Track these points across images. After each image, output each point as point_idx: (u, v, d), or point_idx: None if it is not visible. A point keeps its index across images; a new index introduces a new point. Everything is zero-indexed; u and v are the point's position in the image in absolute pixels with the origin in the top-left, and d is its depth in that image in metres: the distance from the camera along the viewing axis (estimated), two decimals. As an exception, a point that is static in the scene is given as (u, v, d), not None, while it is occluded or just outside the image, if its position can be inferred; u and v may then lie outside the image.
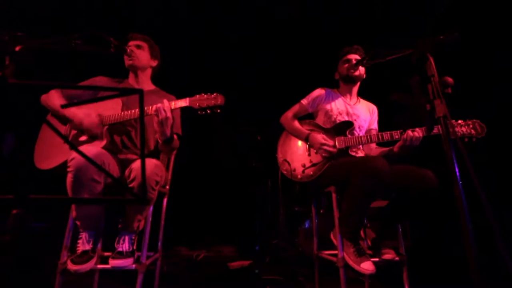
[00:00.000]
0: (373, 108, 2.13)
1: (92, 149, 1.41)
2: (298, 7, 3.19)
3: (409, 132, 1.65)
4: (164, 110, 1.45)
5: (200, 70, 3.95)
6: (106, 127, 1.57)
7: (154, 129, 1.79)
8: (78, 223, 1.49)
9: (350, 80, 2.03)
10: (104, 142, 1.54)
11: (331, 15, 3.25)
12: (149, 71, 1.90)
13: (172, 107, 1.49)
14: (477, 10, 3.00)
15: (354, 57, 1.99)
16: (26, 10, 2.88)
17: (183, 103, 1.49)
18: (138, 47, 1.81)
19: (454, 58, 2.50)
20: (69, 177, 1.34)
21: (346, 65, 2.00)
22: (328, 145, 1.79)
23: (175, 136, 1.72)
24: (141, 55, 1.81)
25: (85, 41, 1.14)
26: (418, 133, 1.65)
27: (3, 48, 0.86)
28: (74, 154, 1.33)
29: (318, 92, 2.06)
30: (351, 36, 3.24)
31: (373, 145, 2.02)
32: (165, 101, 1.48)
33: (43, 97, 1.68)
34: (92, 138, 1.58)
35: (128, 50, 1.67)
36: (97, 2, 2.97)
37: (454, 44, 0.97)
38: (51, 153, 1.58)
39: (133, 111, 1.55)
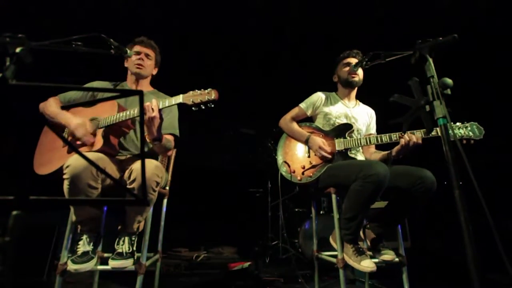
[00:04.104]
0: (372, 112, 2.14)
1: (89, 154, 1.41)
2: (298, 8, 3.20)
3: (406, 137, 1.65)
4: (152, 109, 1.43)
5: (199, 72, 3.96)
6: (102, 129, 1.57)
7: None
8: (78, 226, 1.49)
9: (349, 85, 2.03)
10: (100, 145, 1.53)
11: (331, 16, 3.25)
12: (149, 78, 1.94)
13: (160, 106, 1.47)
14: (477, 10, 3.00)
15: (354, 61, 1.99)
16: (26, 11, 2.89)
17: (176, 100, 1.48)
18: (148, 56, 1.84)
19: (454, 59, 2.51)
20: (65, 184, 1.34)
21: (347, 68, 2.01)
22: (324, 150, 1.79)
23: (168, 137, 1.71)
24: (149, 65, 1.85)
25: (85, 42, 1.14)
26: (418, 139, 1.64)
27: (4, 49, 0.86)
28: (69, 161, 1.33)
29: (317, 96, 2.07)
30: (351, 37, 3.26)
31: (372, 150, 2.03)
32: (153, 100, 1.46)
33: (41, 105, 1.68)
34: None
35: (138, 57, 1.71)
36: (93, 3, 2.97)
37: (453, 45, 0.97)
38: (49, 158, 1.59)
39: (127, 112, 1.54)
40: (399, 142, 1.71)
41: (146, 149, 1.74)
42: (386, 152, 1.87)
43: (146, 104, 1.43)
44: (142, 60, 1.79)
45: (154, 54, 1.88)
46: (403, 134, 1.68)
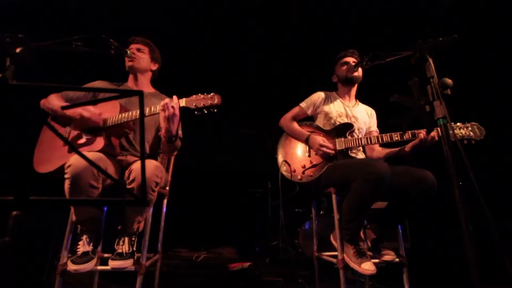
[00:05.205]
0: (372, 111, 2.15)
1: (90, 154, 1.41)
2: (298, 7, 3.20)
3: (423, 132, 1.66)
4: (173, 107, 1.42)
5: (199, 72, 3.96)
6: (104, 130, 1.57)
7: (151, 132, 1.80)
8: (78, 226, 1.49)
9: (349, 82, 2.03)
10: (102, 145, 1.53)
11: (331, 16, 3.25)
12: (149, 74, 1.91)
13: (184, 104, 1.46)
14: (477, 10, 3.00)
15: (351, 59, 2.01)
16: (26, 11, 2.89)
17: (179, 103, 1.49)
18: (139, 50, 1.82)
19: (454, 59, 2.51)
20: (67, 183, 1.34)
21: (345, 67, 2.02)
22: (327, 147, 1.79)
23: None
24: (141, 57, 1.82)
25: (85, 43, 1.14)
26: (435, 136, 1.66)
27: (4, 49, 0.86)
28: (71, 161, 1.33)
29: (317, 95, 2.07)
30: (351, 37, 3.26)
31: (377, 146, 2.02)
32: (174, 97, 1.46)
33: (43, 101, 1.68)
34: (91, 132, 1.57)
35: (128, 52, 1.68)
36: (96, 3, 2.98)
37: (453, 45, 0.97)
38: (49, 156, 1.58)
39: (130, 113, 1.54)
40: (399, 143, 1.71)
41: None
42: (397, 148, 1.86)
43: (165, 101, 1.43)
44: (132, 53, 1.76)
45: (148, 49, 1.86)
46: (403, 134, 1.68)
